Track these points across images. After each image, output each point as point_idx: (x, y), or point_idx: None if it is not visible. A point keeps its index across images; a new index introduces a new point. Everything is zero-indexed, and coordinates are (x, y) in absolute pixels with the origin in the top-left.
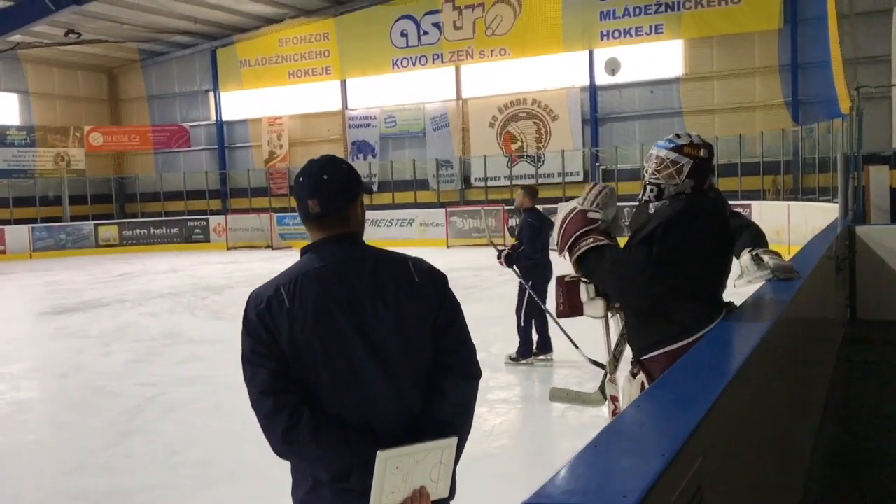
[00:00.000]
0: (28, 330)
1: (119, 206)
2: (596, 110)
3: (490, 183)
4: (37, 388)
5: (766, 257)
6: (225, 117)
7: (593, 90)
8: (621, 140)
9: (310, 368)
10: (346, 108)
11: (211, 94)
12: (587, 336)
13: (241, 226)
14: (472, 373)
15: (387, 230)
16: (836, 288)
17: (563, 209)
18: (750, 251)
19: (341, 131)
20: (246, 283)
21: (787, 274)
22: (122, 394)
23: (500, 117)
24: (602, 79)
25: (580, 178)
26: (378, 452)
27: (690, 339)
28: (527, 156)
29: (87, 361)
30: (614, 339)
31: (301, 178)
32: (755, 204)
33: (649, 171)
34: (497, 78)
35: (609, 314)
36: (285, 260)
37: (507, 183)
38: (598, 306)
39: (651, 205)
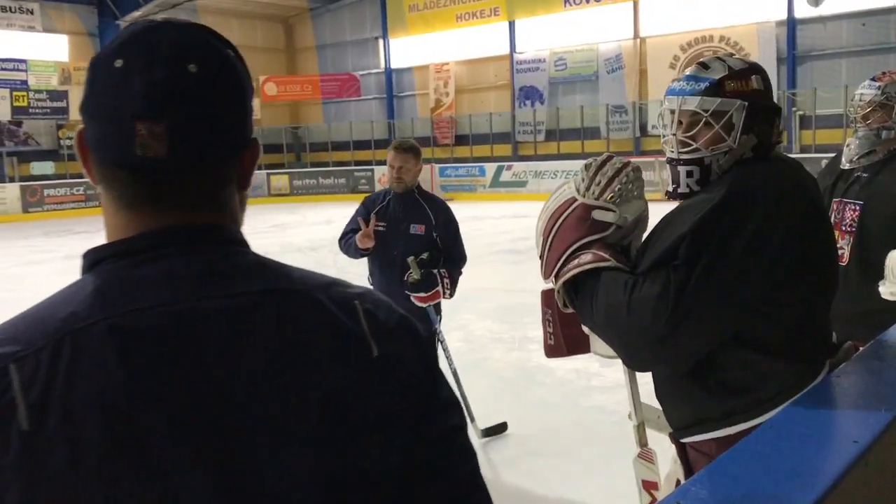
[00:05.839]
0: None
1: (295, 156)
2: (794, 47)
3: None
4: None
5: None
6: (393, 65)
7: (791, 24)
8: (823, 81)
9: None
10: (514, 51)
11: (380, 42)
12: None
13: None
14: None
15: (551, 182)
16: None
17: (558, 197)
18: None
19: (508, 76)
20: None
21: None
22: None
23: (683, 57)
24: (802, 10)
25: None
26: None
27: (764, 418)
28: None
29: None
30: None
31: (121, 63)
32: None
33: (672, 140)
34: (679, 13)
35: None
36: None
37: None
38: None
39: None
